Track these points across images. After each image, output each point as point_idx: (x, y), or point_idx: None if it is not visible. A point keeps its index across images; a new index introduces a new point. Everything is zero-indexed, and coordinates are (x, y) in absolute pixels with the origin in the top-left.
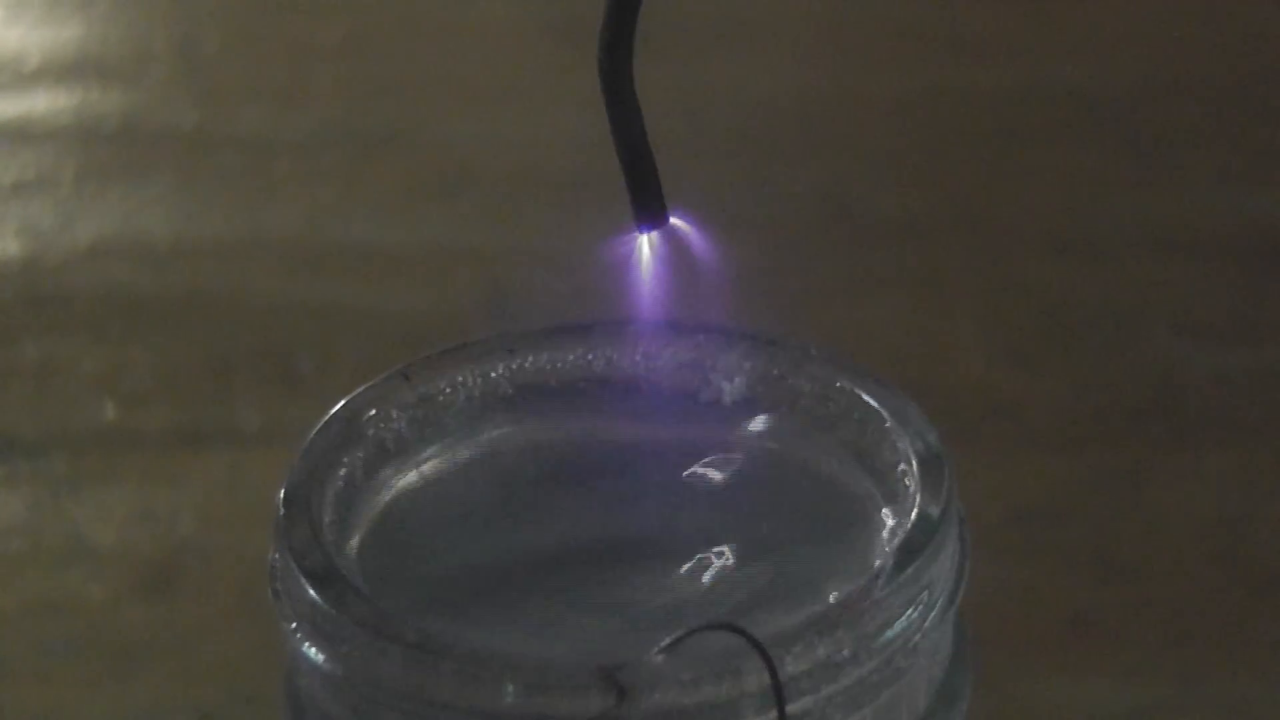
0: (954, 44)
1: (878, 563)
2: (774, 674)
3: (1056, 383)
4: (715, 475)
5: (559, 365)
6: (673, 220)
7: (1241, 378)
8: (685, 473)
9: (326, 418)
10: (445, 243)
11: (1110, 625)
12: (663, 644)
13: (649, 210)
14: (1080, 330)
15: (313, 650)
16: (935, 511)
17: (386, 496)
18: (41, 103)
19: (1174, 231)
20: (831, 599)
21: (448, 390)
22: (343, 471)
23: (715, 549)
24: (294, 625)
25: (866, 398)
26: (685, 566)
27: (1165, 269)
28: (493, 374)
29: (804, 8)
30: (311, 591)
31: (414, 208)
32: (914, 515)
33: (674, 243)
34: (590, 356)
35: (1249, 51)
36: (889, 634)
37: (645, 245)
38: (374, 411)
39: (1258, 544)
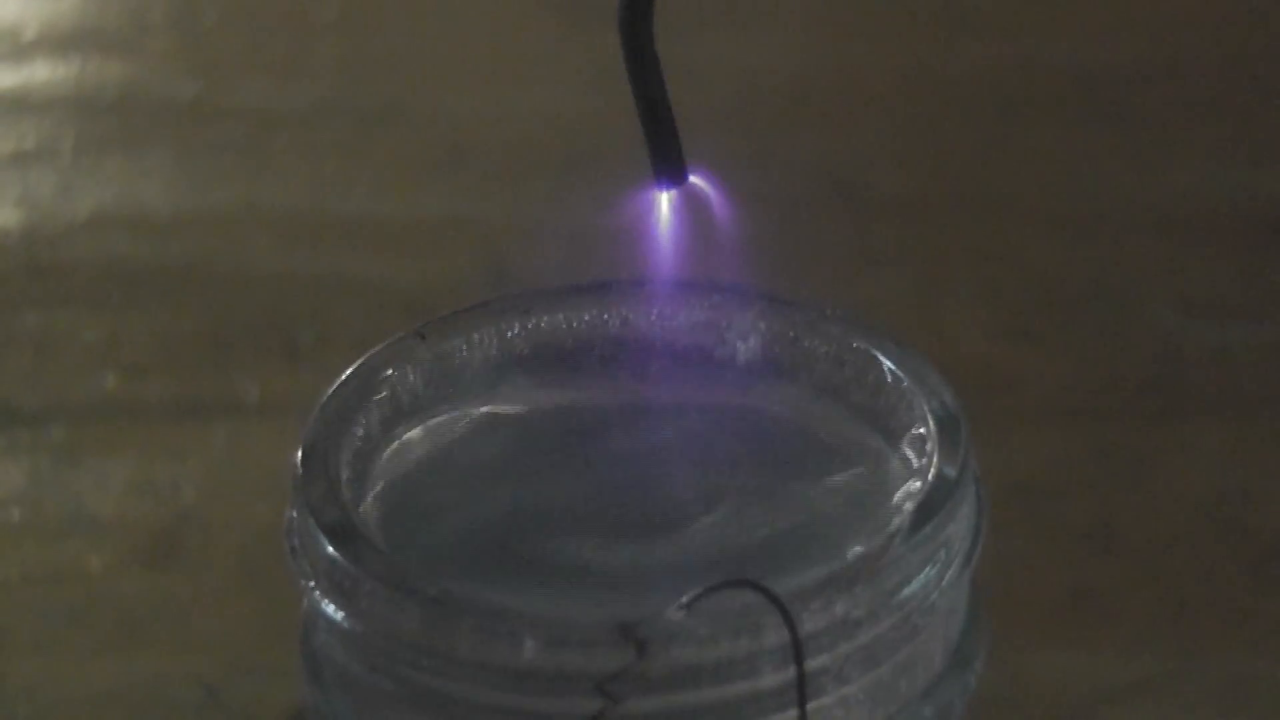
0: (954, 20)
1: (895, 521)
2: (793, 630)
3: (1056, 358)
4: (731, 434)
5: (575, 325)
6: (692, 179)
7: (1241, 352)
8: (701, 431)
9: (344, 376)
10: (445, 215)
11: (1111, 599)
12: (682, 600)
13: (669, 168)
14: (1080, 305)
15: (330, 606)
16: (952, 471)
17: (403, 454)
18: (40, 73)
19: (1173, 207)
20: (850, 556)
21: (464, 349)
22: (360, 430)
23: (732, 507)
24: (312, 582)
25: (882, 358)
26: (702, 524)
27: (1165, 244)
28: (509, 333)
29: None
30: (329, 547)
31: (414, 180)
32: (931, 474)
33: (692, 202)
34: (606, 316)
35: (1248, 28)
36: (907, 591)
37: (664, 204)
38: (390, 370)
39: (1257, 518)
